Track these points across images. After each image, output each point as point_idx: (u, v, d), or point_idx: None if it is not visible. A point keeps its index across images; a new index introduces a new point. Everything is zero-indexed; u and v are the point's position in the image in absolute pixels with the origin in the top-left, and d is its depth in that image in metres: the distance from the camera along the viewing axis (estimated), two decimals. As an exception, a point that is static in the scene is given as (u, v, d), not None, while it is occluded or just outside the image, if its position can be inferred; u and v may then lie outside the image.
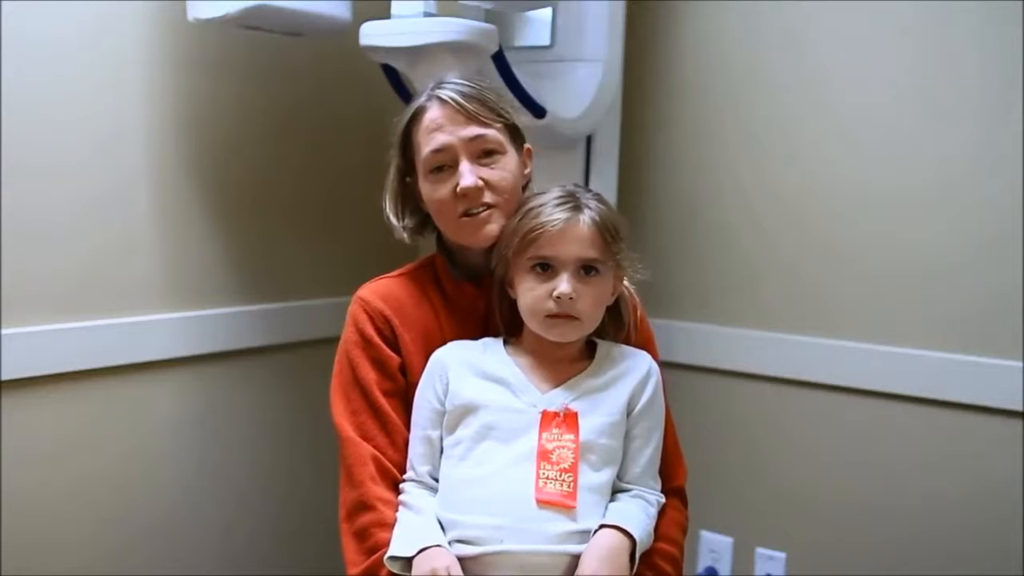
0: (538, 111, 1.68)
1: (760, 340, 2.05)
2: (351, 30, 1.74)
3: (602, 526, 1.21)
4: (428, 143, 1.31)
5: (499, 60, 1.65)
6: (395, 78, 1.78)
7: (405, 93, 1.79)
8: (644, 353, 1.34)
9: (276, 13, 1.73)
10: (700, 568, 2.15)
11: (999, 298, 1.80)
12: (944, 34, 1.84)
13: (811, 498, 2.02)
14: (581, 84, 1.87)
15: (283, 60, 2.04)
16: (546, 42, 1.91)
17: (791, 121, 2.00)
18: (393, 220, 1.38)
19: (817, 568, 2.01)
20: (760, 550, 2.08)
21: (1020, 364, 1.77)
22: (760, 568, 2.08)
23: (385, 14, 1.66)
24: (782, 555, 2.06)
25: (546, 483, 1.20)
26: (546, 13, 1.90)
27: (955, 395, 1.84)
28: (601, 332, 1.33)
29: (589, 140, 1.91)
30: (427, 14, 1.63)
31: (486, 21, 1.71)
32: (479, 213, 1.31)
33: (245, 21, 1.73)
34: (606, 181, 1.92)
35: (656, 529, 1.29)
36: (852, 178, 1.94)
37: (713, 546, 2.14)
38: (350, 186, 2.21)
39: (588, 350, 1.33)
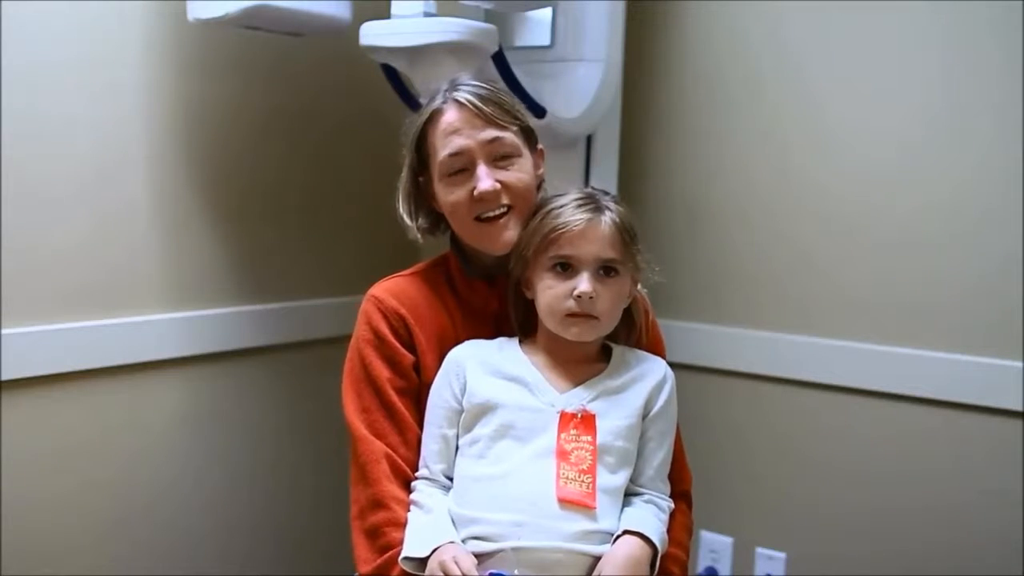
0: (538, 111, 1.68)
1: (760, 340, 2.05)
2: (351, 30, 1.74)
3: (625, 532, 1.21)
4: (445, 146, 1.30)
5: (499, 60, 1.65)
6: (395, 78, 1.78)
7: (405, 93, 1.79)
8: (659, 358, 1.35)
9: (276, 13, 1.73)
10: (700, 568, 2.15)
11: (999, 298, 1.80)
12: (944, 40, 1.84)
13: (811, 498, 2.02)
14: (581, 84, 1.87)
15: (283, 60, 2.04)
16: (546, 42, 1.91)
17: (791, 121, 2.00)
18: (407, 220, 1.37)
19: (817, 568, 2.01)
20: (760, 550, 2.08)
21: (1020, 364, 1.78)
22: (760, 568, 2.08)
23: (385, 14, 1.66)
24: (782, 555, 2.06)
25: (566, 483, 1.20)
26: (546, 13, 1.90)
27: (955, 395, 1.84)
28: (613, 334, 1.33)
29: (589, 140, 1.91)
30: (427, 14, 1.63)
31: (486, 21, 1.71)
32: (496, 217, 1.30)
33: (245, 21, 1.73)
34: (606, 181, 1.92)
35: (667, 533, 1.28)
36: (853, 177, 1.94)
37: (713, 546, 2.14)
38: (350, 186, 2.21)
39: (603, 353, 1.33)
